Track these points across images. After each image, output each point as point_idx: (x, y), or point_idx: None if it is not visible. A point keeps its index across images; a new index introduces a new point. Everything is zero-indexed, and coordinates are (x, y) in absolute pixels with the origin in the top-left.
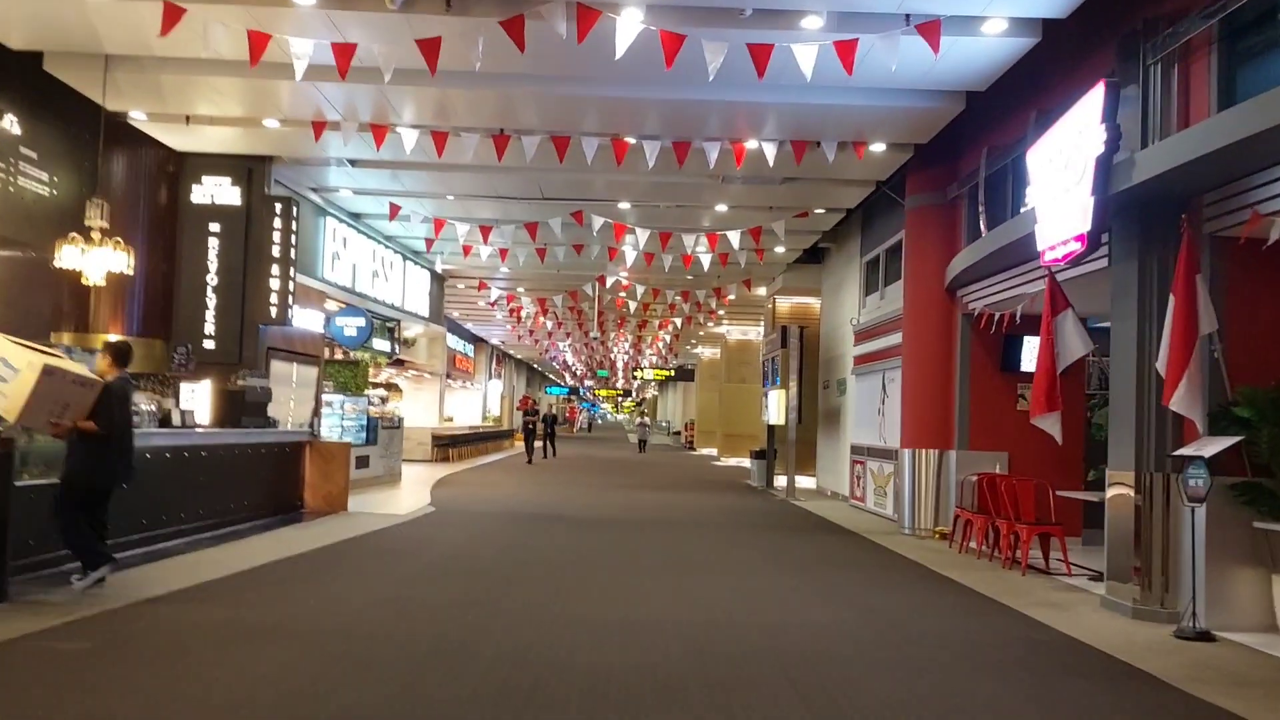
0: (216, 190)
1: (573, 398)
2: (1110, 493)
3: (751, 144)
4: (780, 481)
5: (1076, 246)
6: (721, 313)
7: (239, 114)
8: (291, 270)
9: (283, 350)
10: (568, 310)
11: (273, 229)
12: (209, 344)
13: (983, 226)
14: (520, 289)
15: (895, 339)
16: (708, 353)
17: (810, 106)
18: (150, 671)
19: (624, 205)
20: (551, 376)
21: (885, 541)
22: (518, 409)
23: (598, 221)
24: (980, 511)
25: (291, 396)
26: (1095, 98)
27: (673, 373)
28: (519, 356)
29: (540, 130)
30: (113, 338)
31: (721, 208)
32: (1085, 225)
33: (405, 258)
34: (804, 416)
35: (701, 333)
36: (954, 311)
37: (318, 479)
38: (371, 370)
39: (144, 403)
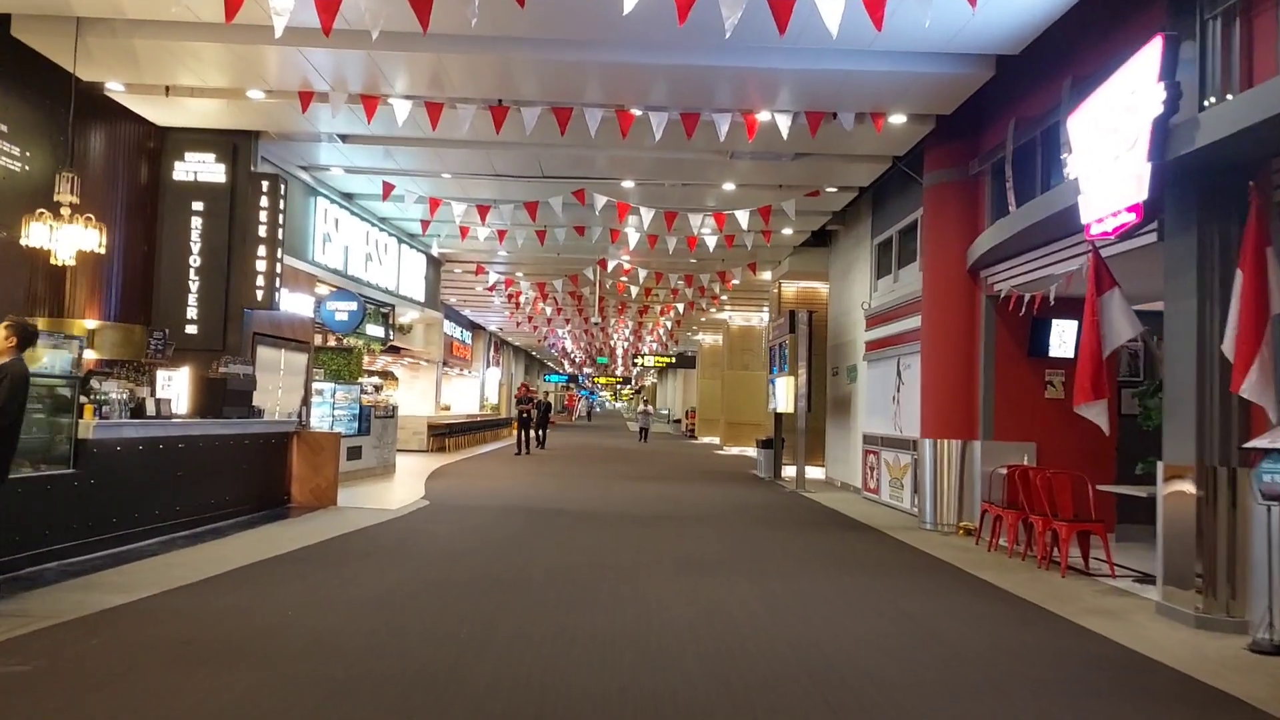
0: (200, 167)
1: (571, 385)
2: (1166, 489)
3: (764, 116)
4: (788, 472)
5: (1130, 218)
6: (724, 298)
7: (221, 84)
8: (279, 252)
9: (270, 336)
10: (567, 295)
11: (259, 208)
12: (191, 329)
13: (1011, 202)
14: (519, 274)
15: (911, 323)
16: (709, 339)
17: (828, 73)
18: (94, 701)
19: (627, 184)
20: (550, 364)
21: (907, 538)
22: (516, 397)
23: (600, 200)
24: (1011, 506)
25: (279, 385)
26: (1151, 54)
27: (673, 359)
28: (517, 344)
29: (540, 101)
30: (90, 323)
31: (729, 186)
32: (1140, 194)
33: (400, 240)
34: (812, 404)
35: (703, 319)
36: (977, 294)
37: (305, 472)
38: (367, 358)
39: (114, 391)
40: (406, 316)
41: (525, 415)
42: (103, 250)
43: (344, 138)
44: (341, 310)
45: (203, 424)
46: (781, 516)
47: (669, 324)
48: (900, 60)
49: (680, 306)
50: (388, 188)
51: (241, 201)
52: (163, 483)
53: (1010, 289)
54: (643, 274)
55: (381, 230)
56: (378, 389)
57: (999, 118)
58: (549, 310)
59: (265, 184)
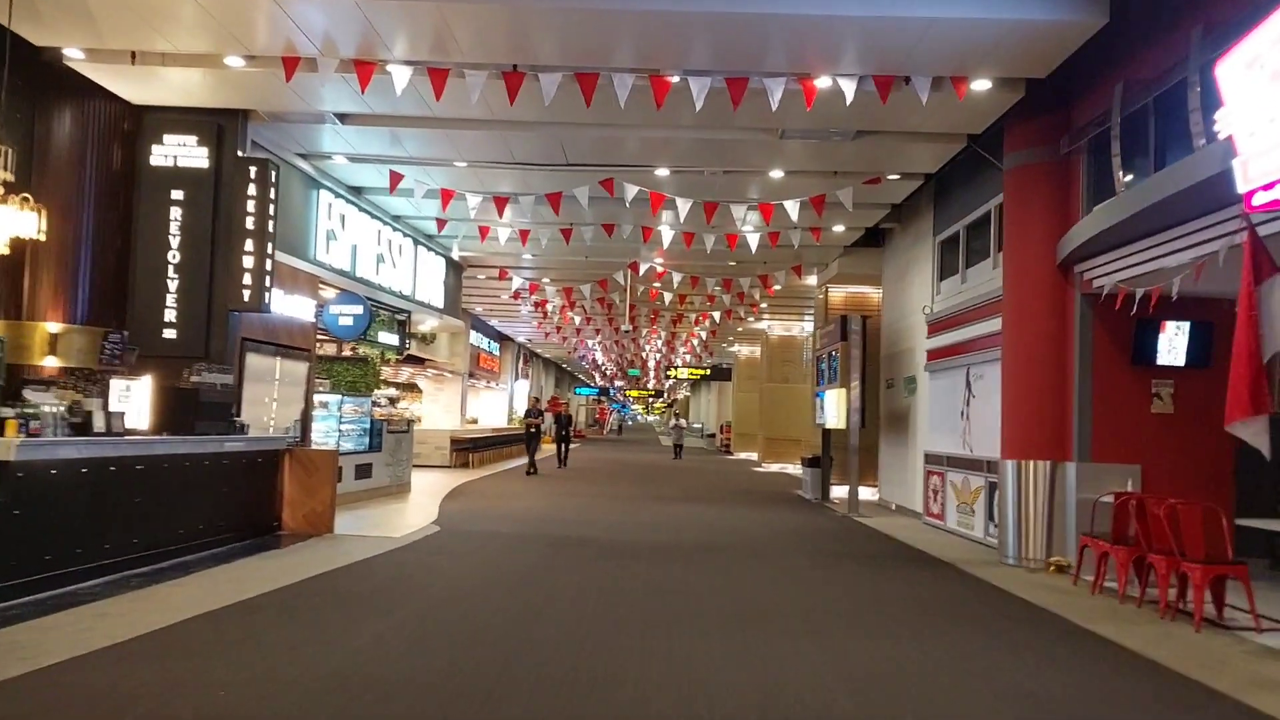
0: (180, 151)
1: (603, 398)
2: None
3: (824, 82)
4: (836, 492)
5: None
6: (764, 305)
7: (194, 49)
8: (270, 246)
9: (262, 342)
10: (596, 303)
11: (246, 196)
12: (169, 333)
13: (1118, 181)
14: (545, 280)
15: (983, 328)
16: (746, 350)
17: (905, 22)
18: None
19: (661, 172)
20: (581, 377)
21: (990, 576)
22: (546, 411)
23: (630, 191)
24: (1120, 541)
25: (273, 396)
26: None
27: (708, 371)
28: (547, 356)
29: (561, 65)
30: (53, 327)
31: (777, 174)
32: None
33: (417, 242)
34: (865, 419)
35: (740, 328)
36: (1069, 292)
37: (298, 494)
38: (389, 369)
39: (49, 404)
40: (426, 324)
41: (533, 429)
42: (43, 236)
43: (342, 118)
44: (346, 314)
45: (167, 441)
46: (838, 547)
47: (704, 334)
48: (994, 3)
49: (717, 315)
50: (395, 178)
51: (227, 189)
52: (114, 512)
53: (1116, 285)
54: (677, 278)
55: (395, 230)
56: (393, 401)
57: (1098, 84)
58: (578, 319)
59: (253, 169)
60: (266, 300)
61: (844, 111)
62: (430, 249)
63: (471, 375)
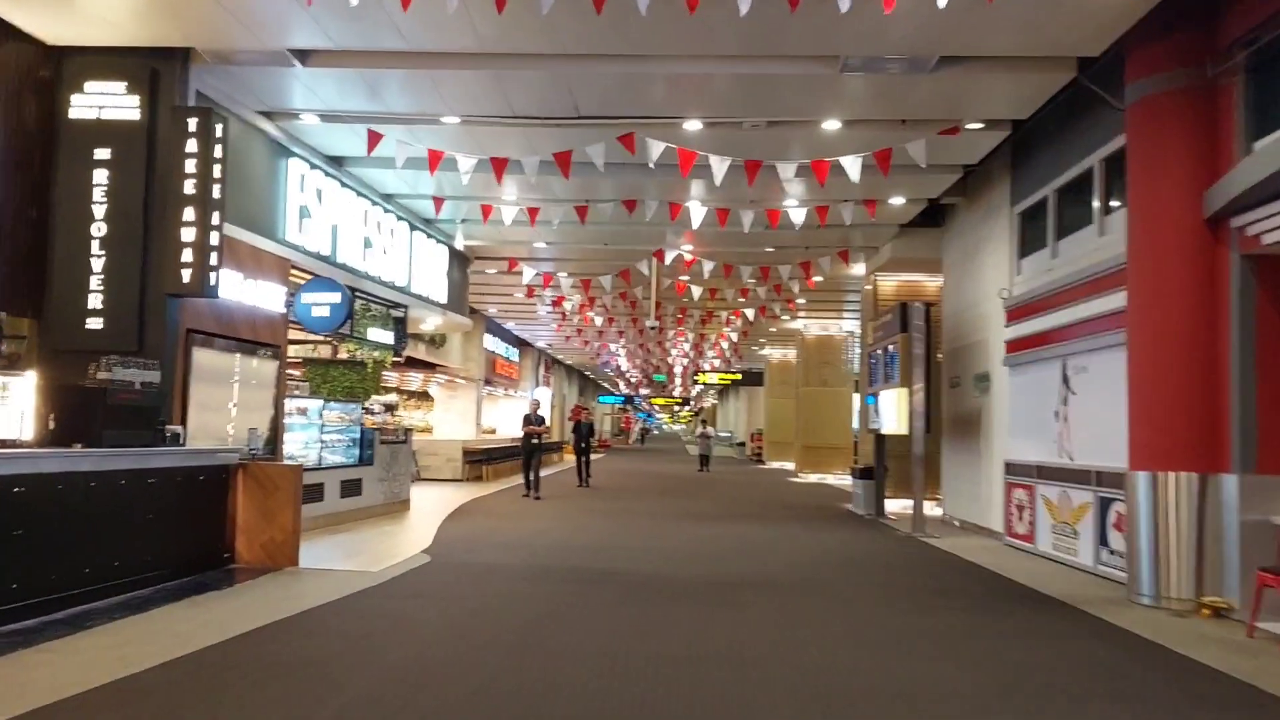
0: (105, 100)
1: (628, 407)
2: None
3: None
4: (893, 507)
5: None
6: (802, 300)
7: None
8: (215, 217)
9: (215, 335)
10: (619, 298)
11: (185, 155)
12: (95, 322)
13: None
14: (562, 274)
15: (1087, 308)
16: (778, 353)
17: None
18: None
19: (692, 125)
20: (605, 385)
21: (1131, 623)
22: (569, 419)
23: (655, 150)
24: None
25: (233, 401)
26: None
27: (738, 376)
28: (570, 362)
29: None
30: None
31: (832, 124)
32: None
33: (413, 226)
34: (930, 423)
35: (774, 328)
36: (1222, 253)
37: (255, 520)
38: (396, 376)
39: None
40: (428, 323)
41: (535, 440)
42: None
43: (303, 57)
44: (321, 304)
45: (58, 456)
46: (916, 580)
47: (734, 335)
48: None
49: (750, 312)
50: (374, 138)
51: (164, 147)
52: None
53: None
54: (708, 267)
55: (386, 210)
56: (389, 408)
57: None
58: (599, 320)
59: (193, 121)
60: (211, 283)
61: (926, 26)
62: (429, 235)
63: (488, 382)
